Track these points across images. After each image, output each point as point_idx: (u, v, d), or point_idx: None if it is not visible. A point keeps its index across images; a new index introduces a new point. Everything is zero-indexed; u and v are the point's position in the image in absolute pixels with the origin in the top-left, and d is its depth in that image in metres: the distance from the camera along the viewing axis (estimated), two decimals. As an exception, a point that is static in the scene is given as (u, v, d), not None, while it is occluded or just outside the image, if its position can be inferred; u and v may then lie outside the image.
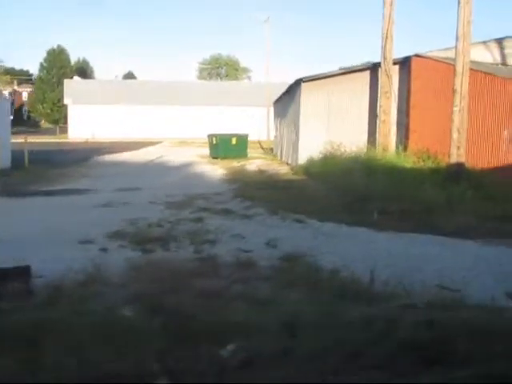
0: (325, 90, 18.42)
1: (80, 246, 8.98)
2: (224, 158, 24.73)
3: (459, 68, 13.40)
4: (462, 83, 13.34)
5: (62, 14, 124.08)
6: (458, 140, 13.41)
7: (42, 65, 58.49)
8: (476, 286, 7.51)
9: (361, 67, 18.51)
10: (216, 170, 20.48)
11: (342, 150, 16.50)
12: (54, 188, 16.47)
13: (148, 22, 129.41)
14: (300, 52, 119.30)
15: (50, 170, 21.31)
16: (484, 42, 19.89)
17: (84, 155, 29.09)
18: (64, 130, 55.23)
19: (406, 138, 18.36)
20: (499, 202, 12.29)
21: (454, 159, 13.51)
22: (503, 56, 19.98)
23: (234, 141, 25.45)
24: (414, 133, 18.06)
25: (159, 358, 4.56)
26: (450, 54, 19.31)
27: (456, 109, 13.39)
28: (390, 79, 17.28)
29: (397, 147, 18.10)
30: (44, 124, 62.36)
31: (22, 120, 71.52)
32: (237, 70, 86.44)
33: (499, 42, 19.99)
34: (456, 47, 13.50)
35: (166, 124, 52.63)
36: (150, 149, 37.75)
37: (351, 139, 18.06)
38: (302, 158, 18.27)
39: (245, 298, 6.41)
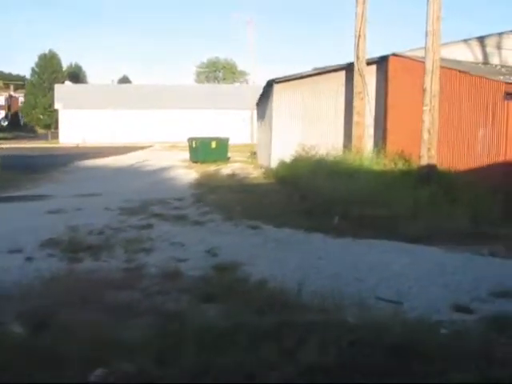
0: (299, 91, 17.83)
1: (8, 254, 8.45)
2: (204, 161, 24.17)
3: (429, 66, 12.80)
4: (431, 82, 12.74)
5: (60, 19, 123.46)
6: (429, 141, 12.80)
7: (33, 70, 58.01)
8: (424, 297, 6.94)
9: (335, 67, 17.88)
10: (190, 175, 19.91)
11: (314, 152, 15.86)
12: (13, 194, 15.94)
13: (145, 26, 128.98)
14: (288, 53, 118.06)
15: (22, 175, 20.77)
16: (465, 41, 19.34)
17: (66, 160, 28.56)
18: (56, 135, 54.76)
19: (384, 139, 17.75)
20: (470, 205, 11.67)
21: (424, 161, 12.89)
22: (485, 54, 19.42)
23: (213, 144, 24.86)
24: (392, 134, 17.47)
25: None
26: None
27: (426, 108, 12.79)
28: (363, 79, 16.67)
29: (374, 149, 17.51)
30: (40, 129, 61.83)
31: (18, 125, 71.05)
32: (234, 73, 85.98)
33: (481, 40, 19.42)
34: (425, 44, 12.91)
35: (158, 128, 52.07)
36: (138, 153, 37.24)
37: (327, 141, 17.47)
38: (275, 161, 17.67)
39: (155, 312, 5.86)
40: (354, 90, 16.72)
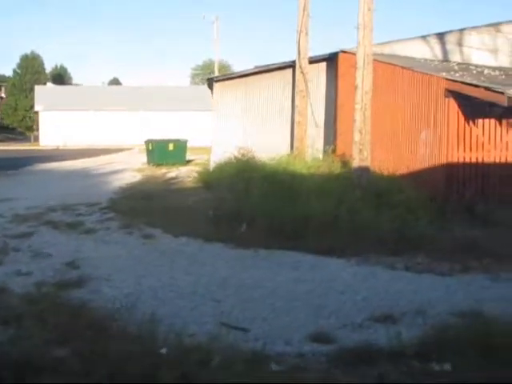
0: (241, 91, 16.76)
1: None
2: (160, 164, 23.12)
3: (360, 60, 11.75)
4: (363, 78, 11.70)
5: (50, 20, 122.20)
6: (361, 142, 11.74)
7: (15, 71, 57.11)
8: (282, 323, 5.91)
9: (280, 65, 16.74)
10: (132, 179, 18.81)
11: (250, 155, 14.79)
12: None
13: (139, 27, 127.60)
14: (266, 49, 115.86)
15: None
16: (423, 37, 18.28)
17: (24, 163, 27.43)
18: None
19: (335, 140, 16.68)
20: (399, 213, 10.58)
21: (356, 164, 11.83)
22: (445, 52, 18.36)
23: (170, 147, 23.81)
24: (342, 135, 16.38)
25: None
26: (388, 49, 17.84)
27: (358, 106, 11.74)
28: (305, 77, 15.60)
29: (325, 151, 16.45)
30: (22, 131, 60.82)
31: (5, 127, 69.90)
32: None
33: (440, 36, 18.36)
34: (357, 37, 11.86)
35: (140, 130, 50.98)
36: (111, 156, 36.21)
37: (273, 143, 16.41)
38: (213, 165, 16.61)
39: None
40: (296, 89, 15.64)
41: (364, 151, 11.69)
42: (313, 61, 16.77)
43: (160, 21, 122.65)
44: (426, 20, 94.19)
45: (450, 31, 18.51)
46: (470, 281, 7.80)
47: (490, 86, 11.33)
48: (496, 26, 19.30)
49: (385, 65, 14.04)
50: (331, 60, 16.97)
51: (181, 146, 24.16)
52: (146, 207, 11.81)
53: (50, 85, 57.55)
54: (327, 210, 10.32)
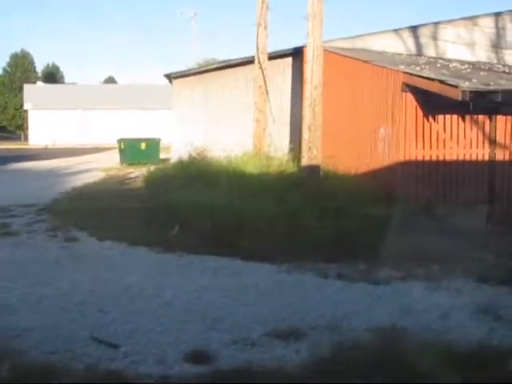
0: (202, 87, 16.11)
1: None
2: (132, 164, 22.51)
3: (309, 53, 11.13)
4: (312, 71, 11.07)
5: (45, 20, 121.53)
6: (310, 139, 11.12)
7: (4, 69, 56.73)
8: (161, 339, 5.32)
9: (242, 60, 16.11)
10: (92, 178, 18.13)
11: (204, 154, 14.14)
12: None
13: (138, 25, 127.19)
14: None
15: None
16: (396, 31, 17.60)
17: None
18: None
19: (300, 139, 15.99)
20: (344, 216, 9.95)
21: (305, 162, 11.22)
22: (419, 46, 17.70)
23: (143, 146, 23.18)
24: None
25: None
26: (360, 43, 17.18)
27: (307, 102, 11.13)
28: (264, 72, 14.90)
29: (291, 150, 15.79)
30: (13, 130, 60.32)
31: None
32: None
33: (414, 30, 17.69)
34: (306, 29, 11.22)
35: (130, 128, 50.38)
36: (93, 155, 35.76)
37: (237, 141, 15.75)
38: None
39: None
40: (254, 84, 15.00)
41: (313, 149, 11.07)
42: (277, 55, 16.12)
43: (155, 19, 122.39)
44: (402, 13, 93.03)
45: (425, 24, 17.84)
46: (407, 290, 7.20)
47: (444, 79, 10.69)
48: (472, 19, 18.64)
49: (344, 58, 13.42)
50: (297, 55, 16.28)
51: (153, 144, 23.54)
52: (84, 208, 11.28)
53: (39, 83, 57.14)
54: (266, 212, 9.72)
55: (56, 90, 55.74)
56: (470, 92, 10.30)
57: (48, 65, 66.15)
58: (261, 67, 14.70)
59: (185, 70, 16.33)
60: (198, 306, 6.23)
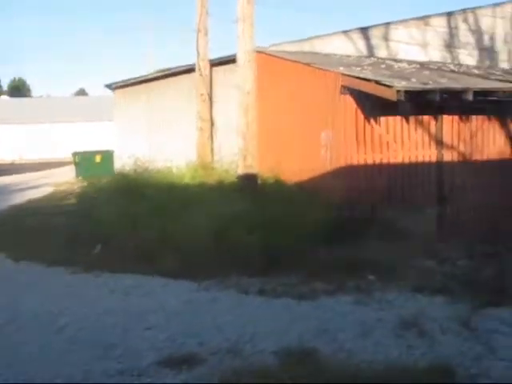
0: (144, 97, 15.56)
1: None
2: (87, 177, 21.78)
3: (240, 58, 10.69)
4: (245, 77, 10.63)
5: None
6: (245, 148, 10.66)
7: (-32, 85, 55.83)
8: (37, 370, 4.81)
9: (184, 68, 15.53)
10: (38, 194, 17.49)
11: (144, 166, 13.57)
12: None
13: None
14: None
15: None
16: (345, 32, 17.22)
17: None
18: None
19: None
20: (277, 227, 9.39)
21: (240, 171, 10.75)
22: (370, 47, 17.35)
23: (97, 158, 22.55)
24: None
25: None
26: (308, 46, 16.76)
27: (240, 109, 10.66)
28: (205, 79, 14.40)
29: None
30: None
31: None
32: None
33: (365, 31, 17.32)
34: (237, 32, 10.78)
35: (99, 141, 49.60)
36: (57, 170, 34.95)
37: (182, 151, 15.22)
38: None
39: None
40: (196, 92, 14.50)
41: (248, 157, 10.61)
42: (223, 62, 15.64)
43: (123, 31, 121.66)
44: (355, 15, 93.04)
45: (375, 25, 17.49)
46: (332, 305, 6.78)
47: (379, 79, 10.29)
48: (424, 19, 18.38)
49: (285, 61, 12.97)
50: (240, 61, 15.84)
51: (108, 157, 22.87)
52: (11, 228, 10.68)
53: (4, 97, 56.12)
54: (194, 225, 9.19)
55: (22, 104, 54.79)
56: (406, 92, 9.92)
57: (14, 79, 65.30)
58: (201, 74, 14.19)
59: (126, 80, 15.71)
60: (92, 332, 5.73)
